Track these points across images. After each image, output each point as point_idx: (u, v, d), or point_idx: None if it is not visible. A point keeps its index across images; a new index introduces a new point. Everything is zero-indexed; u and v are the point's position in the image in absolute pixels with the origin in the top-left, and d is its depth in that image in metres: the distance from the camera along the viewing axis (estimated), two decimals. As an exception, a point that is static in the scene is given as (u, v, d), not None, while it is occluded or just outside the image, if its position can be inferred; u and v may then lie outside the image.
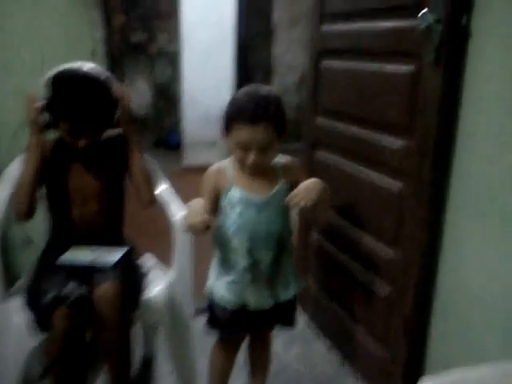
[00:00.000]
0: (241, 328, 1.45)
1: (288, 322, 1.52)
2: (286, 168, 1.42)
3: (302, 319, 2.26)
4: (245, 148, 1.29)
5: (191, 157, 4.90)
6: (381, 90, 1.62)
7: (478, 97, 1.33)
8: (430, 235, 1.49)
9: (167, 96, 5.75)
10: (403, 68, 1.50)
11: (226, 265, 1.40)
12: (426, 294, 1.54)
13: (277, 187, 1.38)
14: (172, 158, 4.96)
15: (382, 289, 1.68)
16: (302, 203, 1.28)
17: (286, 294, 1.44)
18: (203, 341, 1.97)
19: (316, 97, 2.04)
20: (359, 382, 1.83)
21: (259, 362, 1.62)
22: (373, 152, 1.67)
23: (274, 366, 1.86)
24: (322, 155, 2.02)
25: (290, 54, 5.93)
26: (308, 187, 1.30)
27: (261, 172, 1.36)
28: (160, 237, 2.14)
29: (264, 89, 1.33)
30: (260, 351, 1.61)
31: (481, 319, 1.38)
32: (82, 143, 1.41)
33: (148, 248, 1.75)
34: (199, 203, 1.29)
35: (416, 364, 1.60)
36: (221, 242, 1.41)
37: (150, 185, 1.57)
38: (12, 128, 1.52)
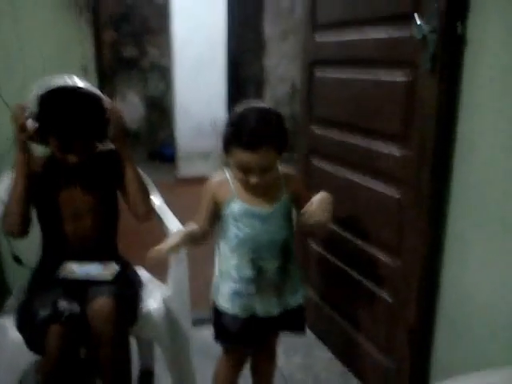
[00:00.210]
0: (250, 337, 1.42)
1: (298, 327, 1.51)
2: (287, 178, 1.41)
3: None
4: (245, 170, 1.27)
5: (185, 168, 4.90)
6: (376, 99, 1.62)
7: (475, 104, 1.33)
8: (430, 246, 1.48)
9: (160, 109, 5.76)
10: (399, 77, 1.51)
11: (229, 275, 1.38)
12: (429, 303, 1.53)
13: (281, 199, 1.37)
14: (166, 169, 4.96)
15: (385, 298, 1.66)
16: (322, 220, 1.29)
17: (295, 300, 1.43)
18: (202, 352, 1.98)
19: (310, 106, 2.04)
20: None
21: (265, 374, 1.58)
22: (370, 161, 1.67)
23: (276, 377, 1.84)
24: (318, 164, 2.01)
25: (281, 67, 5.97)
26: (323, 202, 1.30)
27: (263, 184, 1.34)
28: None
29: (263, 109, 1.30)
30: (266, 363, 1.57)
31: (485, 329, 1.36)
32: (72, 159, 1.39)
33: (140, 263, 1.73)
34: (174, 240, 1.30)
35: (421, 374, 1.59)
36: (223, 253, 1.39)
37: (146, 196, 1.55)
38: (4, 142, 1.50)
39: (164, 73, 5.51)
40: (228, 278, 1.39)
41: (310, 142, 2.07)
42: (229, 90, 4.91)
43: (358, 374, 1.88)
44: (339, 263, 1.93)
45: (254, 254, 1.35)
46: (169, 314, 1.48)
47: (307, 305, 2.08)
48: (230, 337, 1.41)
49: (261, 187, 1.32)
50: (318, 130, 2.00)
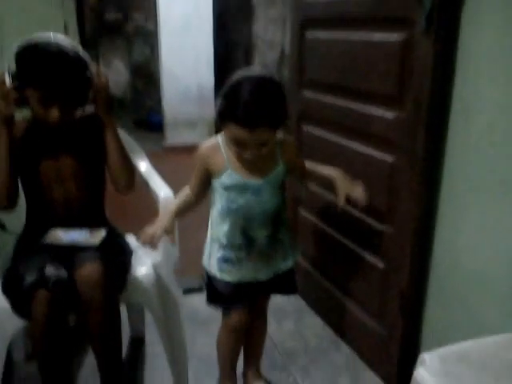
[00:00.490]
0: (241, 299, 1.42)
1: (289, 290, 1.54)
2: (283, 146, 1.36)
3: (293, 296, 2.25)
4: (240, 145, 1.22)
5: (173, 137, 4.83)
6: (370, 59, 1.57)
7: (472, 65, 1.30)
8: (424, 209, 1.46)
9: (146, 75, 5.63)
10: (393, 36, 1.45)
11: (220, 241, 1.38)
12: (422, 269, 1.52)
13: (275, 170, 1.33)
14: (154, 138, 4.88)
15: (377, 265, 1.65)
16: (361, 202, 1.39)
17: (285, 265, 1.45)
18: (190, 319, 1.98)
19: (301, 69, 1.98)
20: (354, 358, 1.82)
21: (256, 336, 1.59)
22: (363, 124, 1.63)
23: (267, 344, 1.85)
24: (310, 129, 1.97)
25: (269, 32, 5.84)
26: (348, 183, 1.40)
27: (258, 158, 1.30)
28: (141, 218, 2.10)
29: (261, 79, 1.20)
30: (257, 323, 1.57)
31: (478, 293, 1.36)
32: (54, 114, 1.32)
33: (130, 229, 1.70)
34: (163, 220, 1.32)
35: (412, 340, 1.59)
36: (215, 220, 1.38)
37: (128, 169, 1.49)
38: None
39: (149, 37, 5.37)
40: (218, 244, 1.38)
41: (300, 107, 2.01)
42: (216, 54, 4.80)
43: (348, 340, 1.89)
44: (330, 230, 1.92)
45: (245, 223, 1.34)
46: (158, 279, 1.46)
47: (298, 272, 2.09)
48: (220, 300, 1.43)
49: (255, 159, 1.28)
50: (308, 95, 1.95)
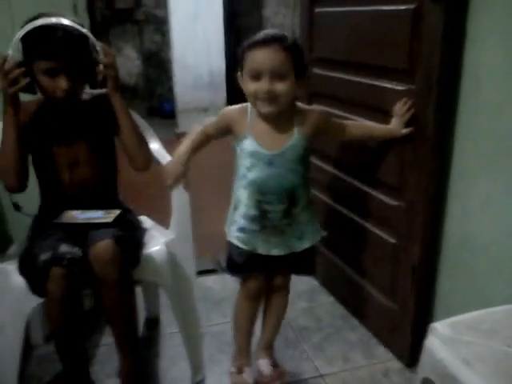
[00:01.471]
0: (256, 268, 1.45)
1: (304, 270, 1.55)
2: (305, 114, 1.35)
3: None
4: (257, 75, 1.23)
5: (185, 123, 4.83)
6: (379, 31, 1.55)
7: (484, 33, 1.27)
8: (435, 183, 1.45)
9: (157, 63, 5.63)
10: (403, 6, 1.43)
11: (237, 211, 1.40)
12: (433, 242, 1.52)
13: (291, 140, 1.32)
14: (167, 125, 4.90)
15: (388, 239, 1.65)
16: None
17: (300, 245, 1.43)
18: (202, 298, 2.00)
19: (310, 46, 1.96)
20: (367, 334, 1.83)
21: (274, 313, 1.58)
22: (374, 99, 1.62)
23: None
24: (321, 107, 1.95)
25: (280, 16, 5.79)
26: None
27: (277, 120, 1.31)
28: (154, 200, 2.12)
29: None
30: (276, 302, 1.57)
31: (489, 268, 1.35)
32: (61, 83, 1.31)
33: (142, 212, 1.72)
34: (179, 156, 1.33)
35: (424, 314, 1.59)
36: (236, 188, 1.40)
37: (144, 147, 1.50)
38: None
39: (160, 25, 5.36)
40: (237, 213, 1.40)
41: (310, 85, 2.00)
42: (227, 40, 4.78)
43: (361, 317, 1.89)
44: (341, 208, 1.91)
45: (260, 195, 1.35)
46: (172, 257, 1.47)
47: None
48: (236, 267, 1.45)
49: (274, 120, 1.30)
50: (319, 72, 1.94)
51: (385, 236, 1.66)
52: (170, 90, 5.05)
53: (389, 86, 1.53)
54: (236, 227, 1.40)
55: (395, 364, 1.66)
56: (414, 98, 1.44)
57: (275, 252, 1.41)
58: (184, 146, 1.36)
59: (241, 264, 1.42)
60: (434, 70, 1.35)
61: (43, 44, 1.29)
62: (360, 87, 1.68)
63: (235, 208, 1.41)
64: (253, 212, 1.36)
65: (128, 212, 1.56)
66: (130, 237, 1.38)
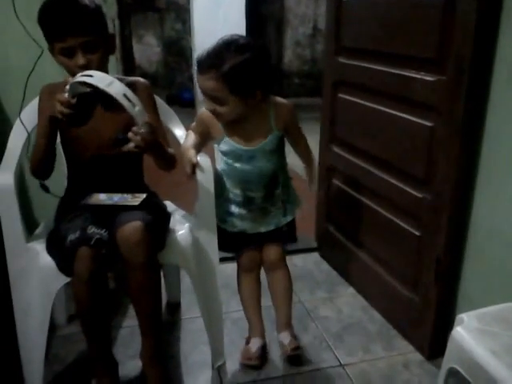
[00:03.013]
0: (247, 245, 1.59)
1: (289, 239, 1.66)
2: (278, 109, 1.43)
3: (325, 266, 2.27)
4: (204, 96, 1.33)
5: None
6: (408, 21, 1.53)
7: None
8: (463, 174, 1.44)
9: (178, 51, 5.64)
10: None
11: (222, 198, 1.52)
12: (459, 234, 1.51)
13: (268, 137, 1.42)
14: (186, 113, 4.91)
15: (412, 232, 1.64)
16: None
17: (285, 220, 1.57)
18: (223, 286, 2.01)
19: (336, 36, 1.95)
20: (387, 326, 1.83)
21: (279, 290, 1.65)
22: (401, 89, 1.60)
23: (299, 312, 1.87)
24: (345, 96, 1.95)
25: (302, 6, 5.75)
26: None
27: (250, 118, 1.38)
28: (176, 187, 2.14)
29: (236, 41, 1.30)
30: (276, 277, 1.64)
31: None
32: (79, 60, 1.31)
33: (166, 197, 1.74)
34: (188, 148, 1.38)
35: (447, 307, 1.58)
36: (217, 180, 1.49)
37: (172, 166, 1.49)
38: (22, 74, 1.47)
39: (181, 13, 5.36)
40: (223, 198, 1.52)
41: (335, 73, 1.99)
42: (249, 28, 4.76)
43: (381, 309, 1.90)
44: (364, 199, 1.91)
45: (243, 185, 1.48)
46: (195, 241, 1.49)
47: (328, 243, 2.15)
48: (228, 246, 1.59)
49: (247, 120, 1.38)
50: (345, 61, 1.93)
51: (409, 228, 1.65)
52: (190, 78, 5.06)
53: (417, 76, 1.51)
54: (222, 211, 1.52)
55: (415, 356, 1.66)
56: (443, 88, 1.42)
57: (263, 229, 1.55)
58: (190, 138, 1.44)
59: (232, 244, 1.59)
60: (466, 60, 1.33)
61: (53, 24, 1.32)
62: (387, 77, 1.66)
63: (221, 194, 1.51)
64: (239, 198, 1.50)
65: (154, 196, 1.58)
66: (156, 220, 1.40)
